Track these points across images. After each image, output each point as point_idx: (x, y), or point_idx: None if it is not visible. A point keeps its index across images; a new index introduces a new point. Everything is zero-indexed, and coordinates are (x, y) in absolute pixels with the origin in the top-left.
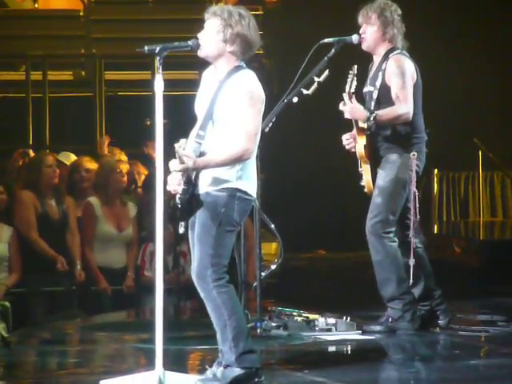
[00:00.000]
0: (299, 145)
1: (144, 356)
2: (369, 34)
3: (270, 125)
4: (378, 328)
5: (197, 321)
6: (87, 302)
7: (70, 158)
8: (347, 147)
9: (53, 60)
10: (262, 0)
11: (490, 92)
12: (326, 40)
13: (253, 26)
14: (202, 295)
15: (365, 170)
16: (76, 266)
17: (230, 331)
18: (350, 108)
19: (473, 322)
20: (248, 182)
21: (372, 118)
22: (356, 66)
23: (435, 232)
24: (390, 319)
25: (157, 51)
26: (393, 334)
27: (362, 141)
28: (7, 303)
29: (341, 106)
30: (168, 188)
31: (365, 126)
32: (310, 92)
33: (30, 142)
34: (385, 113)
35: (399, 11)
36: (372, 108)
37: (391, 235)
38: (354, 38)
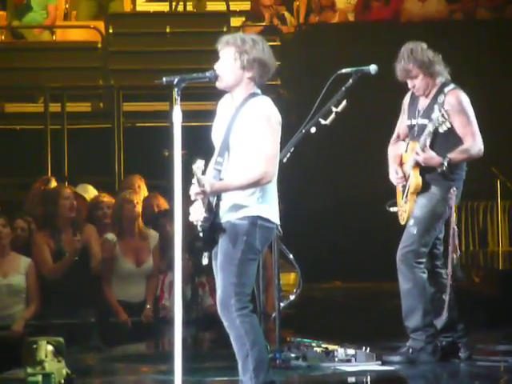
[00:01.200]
0: (317, 175)
1: None
2: (419, 85)
3: (288, 155)
4: (398, 358)
5: (215, 352)
6: (107, 334)
7: (87, 189)
8: (397, 183)
9: (71, 92)
10: (279, 30)
11: (507, 121)
12: (344, 70)
13: (267, 49)
14: (225, 324)
15: (411, 200)
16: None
17: (251, 362)
18: (423, 158)
19: (493, 352)
20: (269, 208)
21: (446, 163)
22: (410, 98)
23: (454, 262)
24: (411, 350)
25: (175, 82)
26: (413, 365)
27: (417, 173)
28: (61, 339)
29: (415, 156)
30: (190, 218)
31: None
32: (327, 122)
33: (49, 174)
34: (457, 156)
35: (424, 45)
36: (426, 141)
37: (422, 266)
38: (372, 68)
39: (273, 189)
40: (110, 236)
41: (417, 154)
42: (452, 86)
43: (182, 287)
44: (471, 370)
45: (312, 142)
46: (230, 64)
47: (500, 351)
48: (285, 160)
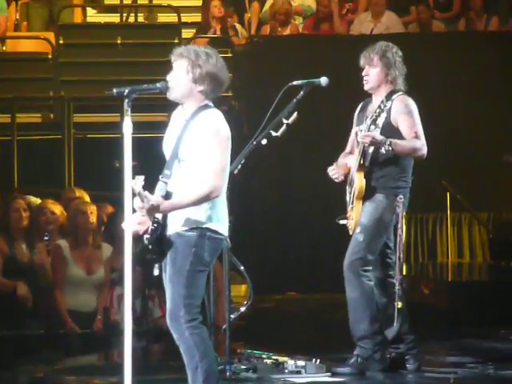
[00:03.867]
0: (268, 186)
1: None
2: (372, 75)
3: (239, 167)
4: (347, 370)
5: (165, 364)
6: (55, 346)
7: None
8: (333, 176)
9: (21, 103)
10: (231, 42)
11: (458, 134)
12: (295, 82)
13: (220, 64)
14: (174, 336)
15: (357, 206)
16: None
17: (201, 374)
18: (366, 134)
19: (442, 363)
20: (218, 221)
21: (389, 143)
22: (362, 106)
23: (404, 273)
24: (360, 359)
25: (125, 93)
26: (362, 376)
27: (361, 176)
28: None
29: (359, 139)
30: (132, 229)
31: (363, 162)
32: (278, 134)
33: None
34: (402, 142)
35: (400, 53)
36: (371, 149)
37: (369, 274)
38: (323, 80)
39: (222, 201)
40: (62, 243)
41: (365, 136)
42: (400, 93)
43: (132, 300)
44: (420, 381)
45: (262, 152)
46: (181, 76)
47: (449, 363)
48: (235, 172)
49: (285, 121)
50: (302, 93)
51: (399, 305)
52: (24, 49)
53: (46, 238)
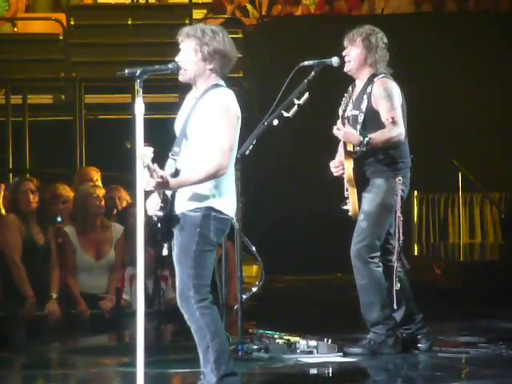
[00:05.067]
0: (281, 167)
1: (125, 380)
2: (352, 56)
3: (251, 147)
4: (359, 350)
5: (177, 344)
6: (67, 326)
7: None
8: (336, 174)
9: (32, 84)
10: (241, 23)
11: (470, 113)
12: (306, 62)
13: (227, 40)
14: (185, 317)
15: (351, 193)
16: (50, 298)
17: (212, 353)
18: (344, 132)
19: (454, 343)
20: (223, 200)
21: (365, 142)
22: (351, 90)
23: (415, 254)
24: (372, 342)
25: (137, 74)
26: (374, 356)
27: (349, 164)
28: None
29: (334, 130)
30: (148, 213)
31: (352, 149)
32: (290, 115)
33: (10, 167)
34: (377, 136)
35: (385, 39)
36: (358, 132)
37: (376, 260)
38: (334, 60)
39: (227, 181)
40: (68, 229)
41: (338, 129)
42: (381, 75)
43: (144, 280)
44: (432, 361)
45: (276, 134)
46: (191, 56)
47: (461, 342)
48: (247, 152)
49: (296, 101)
50: (313, 73)
51: (397, 286)
52: (35, 30)
53: (58, 219)
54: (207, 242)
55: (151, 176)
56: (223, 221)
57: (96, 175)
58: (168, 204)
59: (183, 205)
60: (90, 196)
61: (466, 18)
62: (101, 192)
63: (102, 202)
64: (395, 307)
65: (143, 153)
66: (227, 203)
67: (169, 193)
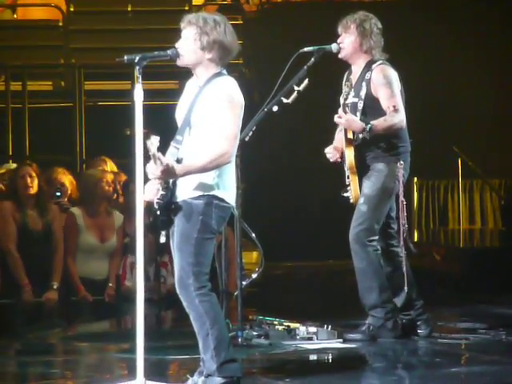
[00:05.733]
0: (282, 154)
1: (125, 366)
2: (346, 43)
3: (251, 134)
4: (359, 336)
5: (178, 330)
6: (68, 312)
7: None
8: (331, 160)
9: (32, 70)
10: (241, 9)
11: (469, 100)
12: (306, 49)
13: (229, 31)
14: (184, 304)
15: (353, 180)
16: (52, 282)
17: (211, 340)
18: (345, 120)
19: (453, 329)
20: (225, 189)
21: (368, 129)
22: (350, 77)
23: (415, 240)
24: (371, 327)
25: (136, 61)
26: (374, 343)
27: (350, 152)
28: None
29: (336, 119)
30: (145, 198)
31: (352, 136)
32: (289, 101)
33: (10, 153)
34: (380, 123)
35: (379, 25)
36: (351, 109)
37: (375, 243)
38: (334, 46)
39: (229, 169)
40: (75, 210)
41: (339, 117)
42: (379, 62)
43: (145, 267)
44: (432, 347)
45: (275, 120)
46: (190, 44)
47: (461, 329)
48: (247, 139)
49: (296, 88)
50: (312, 59)
51: (402, 270)
52: (34, 16)
53: (57, 193)
54: (208, 229)
55: (156, 164)
56: (225, 209)
57: (103, 164)
58: (169, 190)
59: (185, 192)
60: (99, 180)
61: (464, 2)
62: (110, 177)
63: (111, 188)
64: (406, 289)
65: (151, 141)
66: (229, 192)
67: (170, 180)
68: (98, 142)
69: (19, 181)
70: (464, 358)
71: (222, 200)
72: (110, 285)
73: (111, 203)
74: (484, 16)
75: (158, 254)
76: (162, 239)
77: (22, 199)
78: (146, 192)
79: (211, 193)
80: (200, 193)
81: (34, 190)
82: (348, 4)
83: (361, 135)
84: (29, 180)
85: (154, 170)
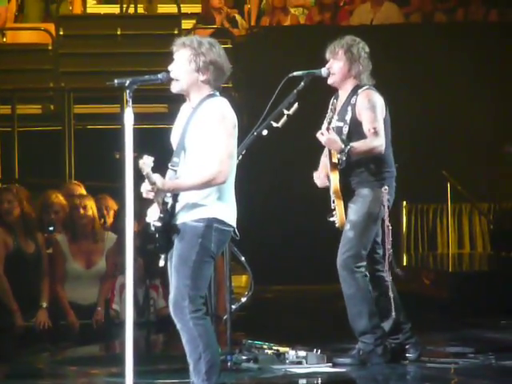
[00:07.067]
0: (270, 176)
1: None
2: (335, 69)
3: (240, 157)
4: (348, 360)
5: (167, 354)
6: (57, 337)
7: None
8: (319, 186)
9: (21, 94)
10: (230, 34)
11: (459, 124)
12: (296, 73)
13: (222, 53)
14: (178, 326)
15: (338, 205)
16: (41, 303)
17: (203, 364)
18: (327, 139)
19: (443, 354)
20: (226, 211)
21: (347, 150)
22: (335, 101)
23: (404, 264)
24: (361, 352)
25: (126, 84)
26: (363, 367)
27: (335, 176)
28: None
29: (318, 134)
30: (148, 220)
31: (337, 160)
32: (279, 125)
33: None
34: (359, 145)
35: (367, 49)
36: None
37: (363, 269)
38: (323, 71)
39: (230, 191)
40: (60, 237)
41: (321, 134)
42: (366, 87)
43: (134, 290)
44: (421, 371)
45: (264, 143)
46: (184, 65)
47: (450, 353)
48: (236, 162)
49: (285, 112)
50: (302, 83)
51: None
52: (24, 40)
53: (50, 228)
54: (207, 253)
55: (150, 183)
56: (225, 232)
57: (79, 189)
58: (167, 213)
59: (186, 215)
60: (74, 207)
61: (455, 28)
62: (88, 202)
63: (89, 212)
64: (393, 314)
65: (144, 161)
66: (230, 214)
67: (169, 202)
68: (88, 165)
69: (1, 206)
70: (453, 382)
71: (222, 222)
72: (99, 308)
73: (102, 227)
74: (473, 41)
75: (148, 277)
76: (161, 263)
77: (8, 224)
78: (149, 214)
79: (211, 215)
80: (200, 215)
81: (15, 214)
82: (337, 28)
83: (339, 155)
84: (6, 205)
85: (149, 190)
